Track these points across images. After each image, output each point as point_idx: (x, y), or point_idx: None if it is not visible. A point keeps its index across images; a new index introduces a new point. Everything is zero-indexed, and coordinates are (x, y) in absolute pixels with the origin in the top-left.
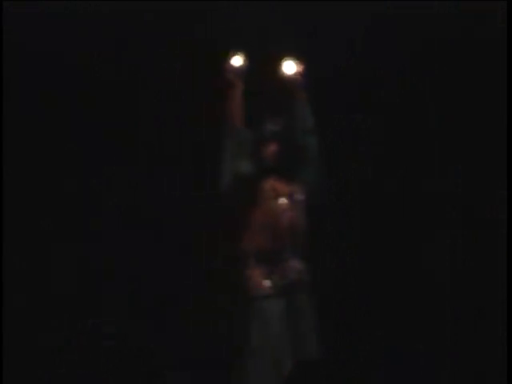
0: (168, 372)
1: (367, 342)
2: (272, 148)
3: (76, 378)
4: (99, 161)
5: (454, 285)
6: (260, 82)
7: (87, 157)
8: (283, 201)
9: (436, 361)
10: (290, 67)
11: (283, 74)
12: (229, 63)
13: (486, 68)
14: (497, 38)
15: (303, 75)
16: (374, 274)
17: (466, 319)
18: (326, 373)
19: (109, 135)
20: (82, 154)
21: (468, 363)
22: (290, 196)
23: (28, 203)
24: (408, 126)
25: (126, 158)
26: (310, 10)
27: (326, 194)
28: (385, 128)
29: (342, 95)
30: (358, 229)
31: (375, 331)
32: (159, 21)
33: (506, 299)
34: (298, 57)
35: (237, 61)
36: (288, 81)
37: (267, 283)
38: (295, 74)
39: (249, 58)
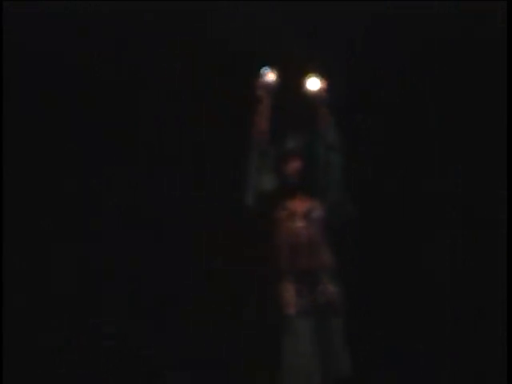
0: (168, 372)
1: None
2: (295, 164)
3: (76, 378)
4: (99, 161)
5: (454, 285)
6: (283, 97)
7: (87, 157)
8: (305, 218)
9: (436, 361)
10: (314, 83)
11: (307, 89)
12: (261, 79)
13: (486, 68)
14: (497, 38)
15: (327, 91)
16: (374, 274)
17: (466, 319)
18: None
19: (109, 135)
20: (82, 154)
21: (468, 363)
22: (312, 213)
23: (28, 203)
24: (408, 125)
25: (126, 158)
26: (310, 10)
27: (350, 211)
28: (385, 128)
29: (342, 95)
30: (357, 228)
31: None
32: (159, 21)
33: (506, 299)
34: (321, 72)
35: (269, 77)
36: (312, 97)
37: (299, 301)
38: (319, 90)
39: (274, 73)
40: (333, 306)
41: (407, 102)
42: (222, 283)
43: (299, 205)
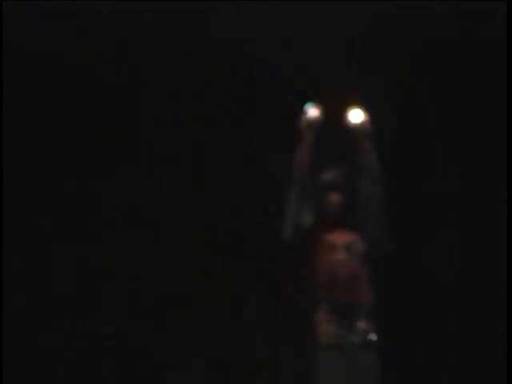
0: (168, 372)
1: None
2: (335, 197)
3: (76, 378)
4: (99, 161)
5: (454, 285)
6: (325, 130)
7: (87, 157)
8: (343, 253)
9: (436, 361)
10: (356, 116)
11: (350, 122)
12: (304, 116)
13: (486, 68)
14: (497, 38)
15: (370, 124)
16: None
17: (466, 319)
18: None
19: (109, 135)
20: (82, 154)
21: (468, 363)
22: (353, 246)
23: (28, 203)
24: (408, 125)
25: (126, 158)
26: (310, 10)
27: (390, 244)
28: (385, 128)
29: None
30: None
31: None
32: (159, 21)
33: (506, 299)
34: (361, 104)
35: (312, 112)
36: (354, 130)
37: (336, 333)
38: (362, 122)
39: (317, 106)
40: (370, 345)
41: (407, 102)
42: (222, 283)
43: (339, 237)
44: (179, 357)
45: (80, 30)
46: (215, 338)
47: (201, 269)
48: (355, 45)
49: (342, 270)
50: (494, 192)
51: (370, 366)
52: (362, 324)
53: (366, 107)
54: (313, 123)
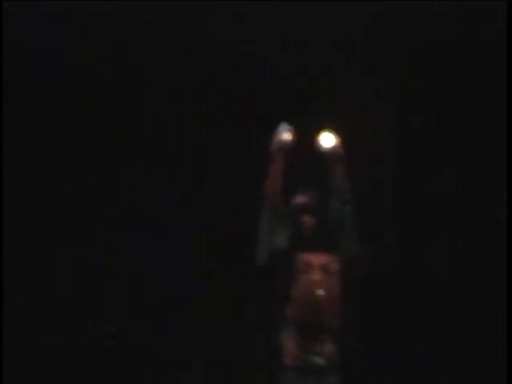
0: (168, 372)
1: None
2: (308, 220)
3: (76, 378)
4: (99, 161)
5: (454, 285)
6: (296, 154)
7: (87, 157)
8: (319, 273)
9: (436, 361)
10: (328, 140)
11: (321, 146)
12: (277, 137)
13: (486, 68)
14: (497, 38)
15: (342, 148)
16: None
17: (466, 319)
18: None
19: (109, 135)
20: (82, 154)
21: (468, 363)
22: (326, 268)
23: (28, 203)
24: (408, 125)
25: (126, 158)
26: (310, 10)
27: (367, 263)
28: (385, 128)
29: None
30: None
31: None
32: (159, 21)
33: (506, 299)
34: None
35: (285, 135)
36: (326, 154)
37: (301, 355)
38: (334, 146)
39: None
40: (333, 366)
41: (407, 102)
42: (222, 283)
43: (315, 258)
44: (179, 357)
45: (80, 30)
46: (215, 337)
47: (201, 269)
48: (355, 45)
49: (319, 291)
50: (494, 192)
51: None
52: (329, 346)
53: (366, 107)
54: (285, 146)
